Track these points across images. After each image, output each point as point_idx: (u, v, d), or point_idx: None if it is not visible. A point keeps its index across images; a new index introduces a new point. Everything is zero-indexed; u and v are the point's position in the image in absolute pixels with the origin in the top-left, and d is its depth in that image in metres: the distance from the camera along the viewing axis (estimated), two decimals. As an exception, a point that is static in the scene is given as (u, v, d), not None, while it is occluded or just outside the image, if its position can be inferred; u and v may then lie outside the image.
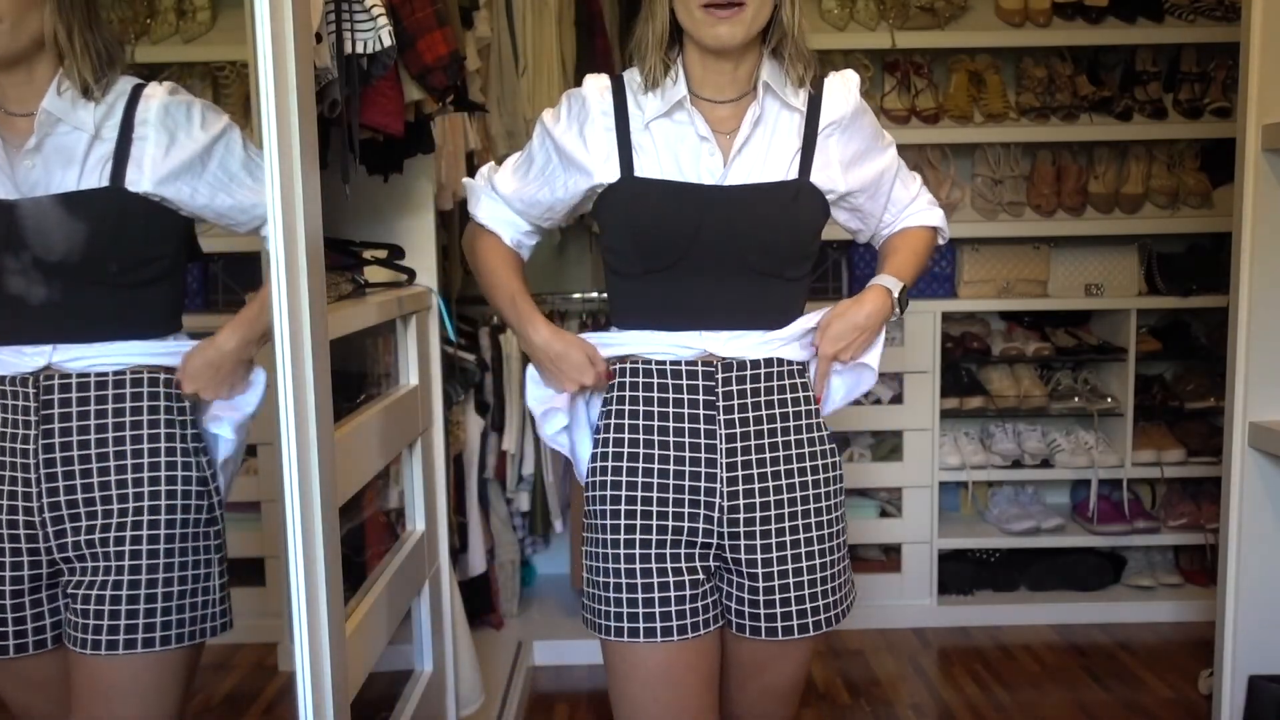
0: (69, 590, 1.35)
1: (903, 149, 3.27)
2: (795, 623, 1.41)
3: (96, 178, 1.30)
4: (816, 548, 1.41)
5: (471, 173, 2.67)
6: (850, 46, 3.26)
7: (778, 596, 1.40)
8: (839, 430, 3.28)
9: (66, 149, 1.30)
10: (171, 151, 1.33)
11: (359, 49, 1.60)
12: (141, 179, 1.31)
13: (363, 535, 1.98)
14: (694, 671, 1.40)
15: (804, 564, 1.40)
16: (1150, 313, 3.41)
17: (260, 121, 1.21)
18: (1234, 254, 2.11)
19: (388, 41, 1.62)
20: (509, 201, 1.50)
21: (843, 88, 1.43)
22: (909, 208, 1.54)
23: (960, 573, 3.32)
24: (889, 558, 3.34)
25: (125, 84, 1.34)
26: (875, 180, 1.48)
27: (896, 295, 1.46)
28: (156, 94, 1.33)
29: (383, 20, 1.61)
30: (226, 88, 1.98)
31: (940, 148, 3.36)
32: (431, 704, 2.08)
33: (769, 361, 1.40)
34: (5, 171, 1.29)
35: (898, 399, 3.25)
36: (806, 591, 1.41)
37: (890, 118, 3.28)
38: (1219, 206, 3.35)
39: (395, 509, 2.12)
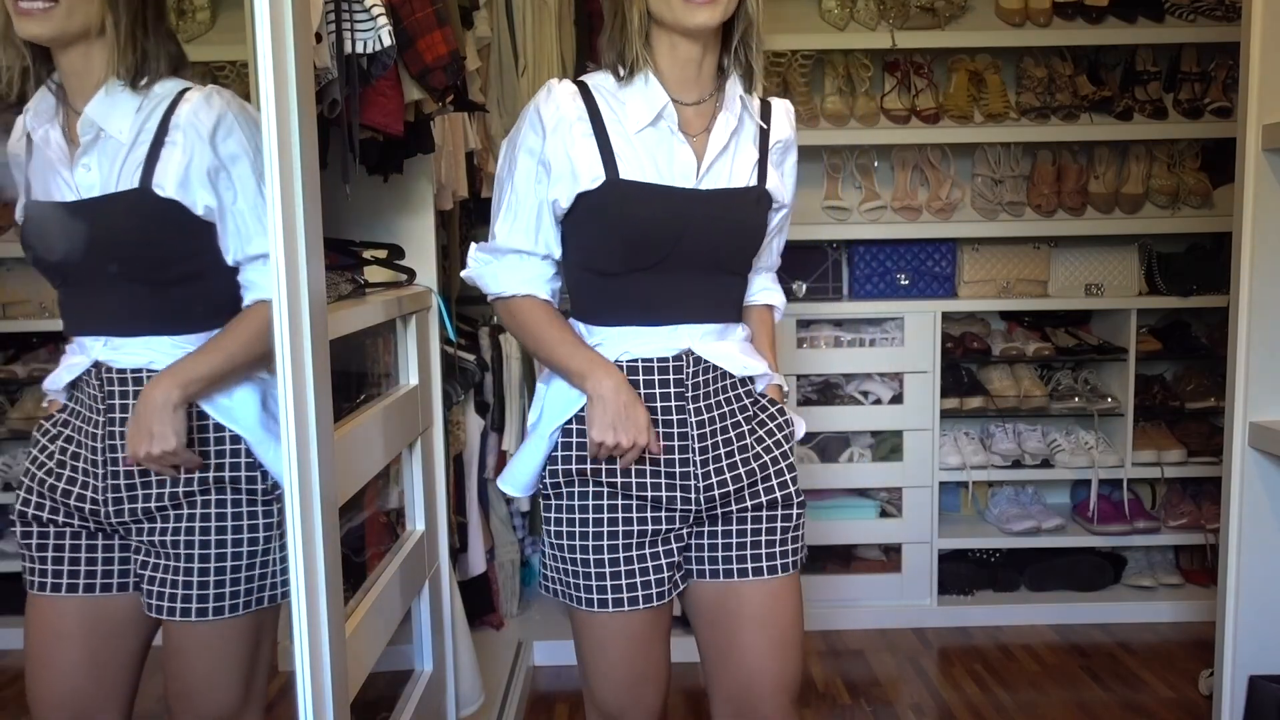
0: (139, 561, 1.41)
1: (903, 149, 3.35)
2: (779, 562, 1.52)
3: (131, 179, 1.33)
4: (779, 511, 1.53)
5: (471, 173, 2.68)
6: (850, 46, 3.25)
7: (763, 538, 1.51)
8: (839, 431, 3.29)
9: (113, 150, 1.33)
10: (192, 159, 1.34)
11: (359, 49, 1.60)
12: (167, 183, 1.33)
13: (363, 535, 1.98)
14: (658, 631, 1.53)
15: (777, 510, 1.53)
16: (1150, 313, 3.42)
17: (260, 121, 1.21)
18: (1234, 254, 2.10)
19: (387, 41, 1.62)
20: (528, 250, 1.49)
21: (784, 115, 1.55)
22: (767, 275, 1.66)
23: (960, 573, 3.32)
24: (889, 558, 3.34)
25: (173, 86, 1.35)
26: (780, 218, 1.58)
27: (786, 390, 1.65)
28: (192, 99, 1.34)
29: (383, 20, 1.61)
30: (226, 88, 1.98)
31: (940, 148, 3.36)
32: (431, 704, 2.08)
33: (730, 375, 1.51)
34: (65, 173, 1.32)
35: (898, 399, 3.25)
36: (778, 537, 1.53)
37: (890, 118, 3.27)
38: (1219, 206, 3.35)
39: (395, 509, 2.12)
